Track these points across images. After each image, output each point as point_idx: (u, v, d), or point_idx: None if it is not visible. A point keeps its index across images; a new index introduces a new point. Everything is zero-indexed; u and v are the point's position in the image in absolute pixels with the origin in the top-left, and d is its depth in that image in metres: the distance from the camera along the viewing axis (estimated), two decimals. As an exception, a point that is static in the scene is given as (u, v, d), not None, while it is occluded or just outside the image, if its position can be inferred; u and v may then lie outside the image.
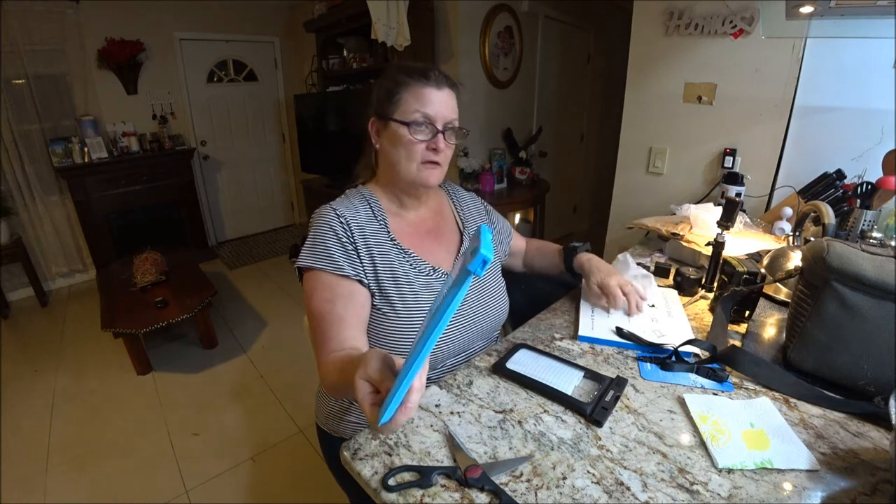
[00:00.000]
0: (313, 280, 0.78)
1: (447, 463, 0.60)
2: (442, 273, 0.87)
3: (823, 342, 0.72)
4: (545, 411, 0.69)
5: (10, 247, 2.98)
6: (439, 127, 0.80)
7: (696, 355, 0.82)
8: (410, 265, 0.84)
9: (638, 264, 1.07)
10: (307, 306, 0.78)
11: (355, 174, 0.96)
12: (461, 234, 0.96)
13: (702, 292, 1.06)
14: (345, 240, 0.79)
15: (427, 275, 0.86)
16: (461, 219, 0.98)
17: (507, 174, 3.07)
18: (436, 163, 0.82)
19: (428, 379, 0.83)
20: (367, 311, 0.80)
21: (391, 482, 0.57)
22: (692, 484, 0.56)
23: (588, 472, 0.58)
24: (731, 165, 1.64)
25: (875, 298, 0.66)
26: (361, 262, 0.80)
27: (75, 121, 3.21)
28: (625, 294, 0.92)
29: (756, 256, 1.14)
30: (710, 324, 0.91)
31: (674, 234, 1.28)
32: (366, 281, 0.80)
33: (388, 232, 0.85)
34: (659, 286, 1.07)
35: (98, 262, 3.36)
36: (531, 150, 3.25)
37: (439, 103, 0.80)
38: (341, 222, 0.81)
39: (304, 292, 0.79)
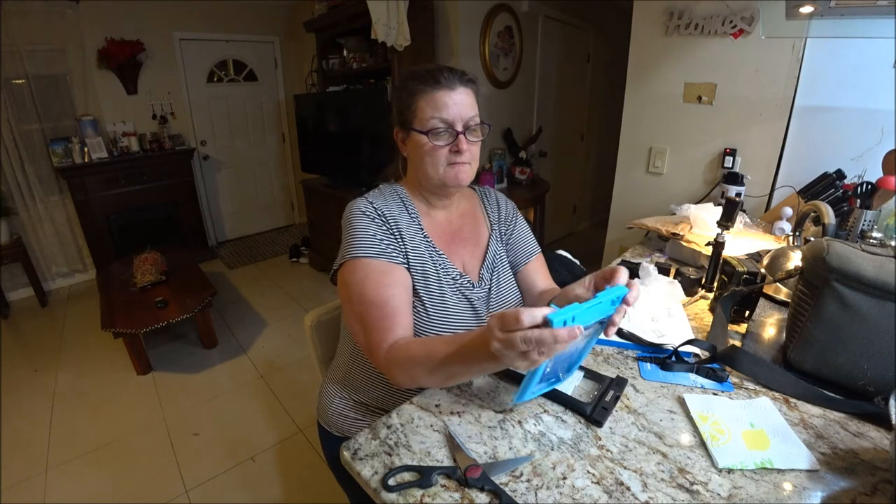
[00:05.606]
0: (364, 269, 0.76)
1: (447, 463, 0.60)
2: (467, 280, 0.86)
3: (823, 342, 0.72)
4: (545, 411, 0.69)
5: (10, 247, 2.98)
6: (458, 128, 0.78)
7: (696, 355, 0.82)
8: (441, 266, 0.84)
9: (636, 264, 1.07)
10: (357, 295, 0.75)
11: (384, 177, 0.95)
12: (489, 235, 0.94)
13: (702, 292, 1.06)
14: (384, 228, 0.80)
15: (455, 278, 0.85)
16: (490, 220, 0.97)
17: (506, 174, 3.07)
18: (462, 162, 0.80)
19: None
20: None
21: (391, 482, 0.57)
22: (692, 484, 0.56)
23: (588, 472, 0.58)
24: (731, 165, 1.64)
25: (875, 298, 0.66)
26: (401, 250, 0.80)
27: (75, 121, 3.20)
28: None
29: (756, 256, 1.14)
30: (710, 324, 0.91)
31: (674, 234, 1.28)
32: (409, 269, 0.80)
33: (422, 229, 0.85)
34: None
35: (98, 262, 3.36)
36: (531, 150, 3.25)
37: (454, 105, 0.77)
38: (379, 214, 0.81)
39: (349, 284, 0.76)
